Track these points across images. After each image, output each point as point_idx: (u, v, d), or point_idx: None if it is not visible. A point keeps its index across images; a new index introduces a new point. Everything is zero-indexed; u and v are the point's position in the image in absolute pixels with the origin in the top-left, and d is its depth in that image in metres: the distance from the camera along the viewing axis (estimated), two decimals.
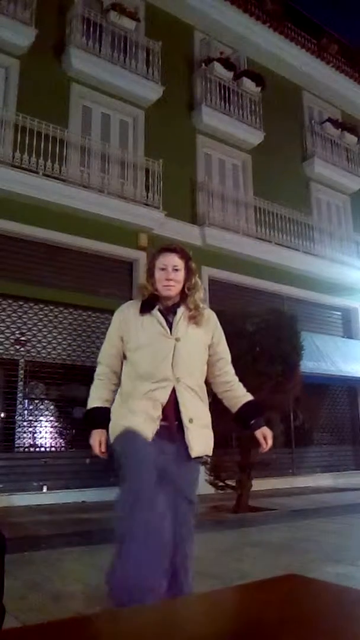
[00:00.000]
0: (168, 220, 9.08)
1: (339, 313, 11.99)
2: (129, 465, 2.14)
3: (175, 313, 2.28)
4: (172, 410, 2.18)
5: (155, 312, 2.27)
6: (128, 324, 2.30)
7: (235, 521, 5.87)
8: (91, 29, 9.12)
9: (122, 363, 2.35)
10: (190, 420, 2.18)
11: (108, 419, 2.27)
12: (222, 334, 2.42)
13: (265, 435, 2.34)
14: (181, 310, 2.29)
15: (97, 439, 2.29)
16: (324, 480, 10.19)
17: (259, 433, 2.35)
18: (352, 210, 13.00)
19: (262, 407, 2.48)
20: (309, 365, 8.62)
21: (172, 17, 10.65)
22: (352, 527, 5.75)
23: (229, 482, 6.50)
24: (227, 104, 10.80)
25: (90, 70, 8.99)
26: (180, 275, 2.28)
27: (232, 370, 2.43)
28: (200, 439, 2.21)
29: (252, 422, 2.37)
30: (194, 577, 2.25)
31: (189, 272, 2.31)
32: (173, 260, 2.27)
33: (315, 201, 12.36)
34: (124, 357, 2.34)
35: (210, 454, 2.30)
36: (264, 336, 6.23)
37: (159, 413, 2.16)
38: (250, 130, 11.01)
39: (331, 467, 10.76)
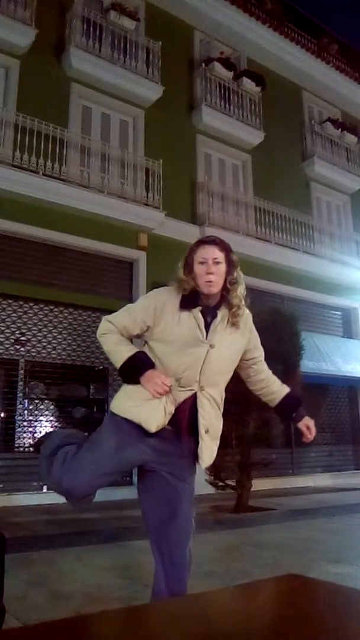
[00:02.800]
0: (168, 220, 9.08)
1: (339, 313, 11.99)
2: (97, 449, 2.11)
3: (215, 316, 2.12)
4: (186, 415, 2.07)
5: (197, 312, 2.10)
6: (164, 313, 2.10)
7: (235, 521, 5.86)
8: (91, 28, 9.12)
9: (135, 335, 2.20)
10: (207, 431, 2.10)
11: (150, 360, 2.11)
12: (257, 335, 2.31)
13: (308, 426, 2.28)
14: (221, 313, 2.14)
15: (158, 374, 2.04)
16: (324, 480, 10.19)
17: (302, 425, 2.29)
18: (352, 210, 13.01)
19: (299, 397, 2.41)
20: (309, 365, 8.63)
21: (172, 17, 10.65)
22: (352, 527, 5.75)
23: (229, 482, 6.50)
24: (227, 104, 10.80)
25: (90, 70, 8.99)
26: (222, 268, 2.12)
27: (266, 367, 2.34)
28: (210, 451, 2.14)
29: (294, 414, 2.31)
30: (195, 577, 2.25)
31: (230, 265, 2.16)
32: (213, 252, 2.12)
33: (315, 201, 12.36)
34: (141, 339, 2.20)
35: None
36: (264, 336, 6.21)
37: (173, 408, 2.05)
38: (250, 130, 11.01)
39: (331, 467, 10.76)
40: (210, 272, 2.08)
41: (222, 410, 2.20)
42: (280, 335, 6.38)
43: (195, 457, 2.12)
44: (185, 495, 2.11)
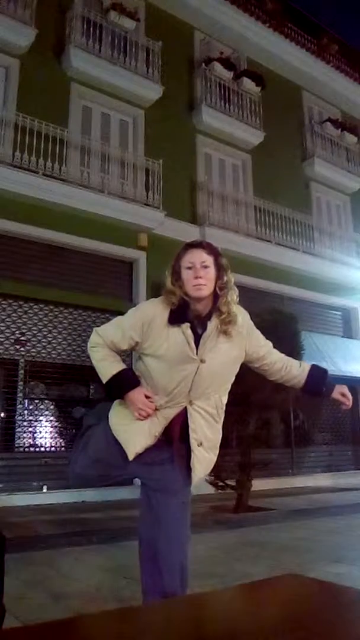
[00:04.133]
0: (168, 220, 9.08)
1: (339, 313, 11.99)
2: (94, 443, 2.21)
3: (205, 328, 2.03)
4: (178, 425, 2.05)
5: (185, 328, 2.01)
6: (152, 329, 2.02)
7: (235, 521, 5.86)
8: (91, 28, 9.12)
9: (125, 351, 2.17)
10: (200, 444, 2.05)
11: (136, 378, 2.09)
12: (257, 333, 2.20)
13: (343, 393, 2.20)
14: (212, 324, 2.04)
15: (141, 397, 2.02)
16: (324, 480, 10.19)
17: (336, 394, 2.21)
18: (352, 210, 13.01)
19: (324, 369, 2.29)
20: None
21: (172, 17, 10.65)
22: (352, 527, 5.74)
23: (229, 482, 6.49)
24: (227, 104, 10.81)
25: (90, 70, 8.99)
26: (211, 272, 2.02)
27: (278, 355, 2.24)
28: (205, 463, 2.09)
29: (324, 389, 2.22)
30: (194, 577, 2.24)
31: (219, 270, 2.05)
32: (201, 256, 2.02)
33: (315, 201, 12.36)
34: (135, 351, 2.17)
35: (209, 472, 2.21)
36: (264, 336, 6.21)
37: (161, 430, 2.04)
38: (250, 130, 11.01)
39: (331, 467, 10.76)
40: (199, 276, 1.99)
41: (220, 419, 2.14)
42: (280, 335, 6.35)
43: (189, 468, 2.08)
44: (176, 510, 2.07)
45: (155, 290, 8.69)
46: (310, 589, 1.15)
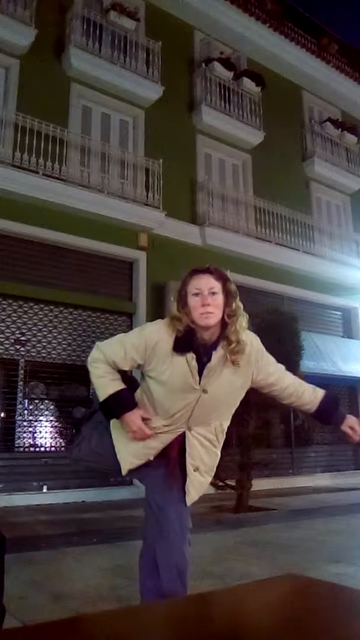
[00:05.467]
0: (168, 220, 9.08)
1: (339, 313, 11.99)
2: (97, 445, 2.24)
3: (210, 357, 1.95)
4: (176, 448, 2.04)
5: (190, 358, 1.94)
6: (155, 353, 1.96)
7: (235, 521, 5.87)
8: (91, 28, 9.12)
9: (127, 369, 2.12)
10: (196, 469, 2.04)
11: (130, 397, 2.04)
12: (268, 359, 2.10)
13: (352, 426, 2.11)
14: (218, 354, 1.96)
15: (137, 421, 1.96)
16: (324, 480, 10.19)
17: (345, 427, 2.11)
18: (352, 210, 13.00)
19: (336, 399, 2.23)
20: (309, 365, 8.62)
21: (172, 17, 10.65)
22: (352, 527, 5.75)
23: (229, 482, 6.50)
24: (227, 104, 10.80)
25: (90, 70, 8.99)
26: (219, 299, 1.93)
27: (291, 378, 2.14)
28: (199, 486, 2.09)
29: (334, 419, 2.14)
30: (195, 577, 2.24)
31: (228, 296, 1.96)
32: (208, 282, 1.93)
33: (315, 201, 12.36)
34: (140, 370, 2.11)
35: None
36: (264, 336, 6.21)
37: (156, 453, 2.05)
38: (250, 130, 11.01)
39: (331, 467, 10.76)
40: (207, 303, 1.91)
41: (219, 444, 2.11)
42: (280, 335, 6.38)
43: (183, 488, 2.07)
44: (175, 514, 2.07)
45: (155, 291, 8.70)
46: (310, 589, 1.15)
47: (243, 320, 2.00)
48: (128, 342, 2.03)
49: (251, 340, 2.04)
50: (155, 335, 1.98)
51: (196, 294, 1.93)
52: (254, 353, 2.04)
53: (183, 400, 1.97)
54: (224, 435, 2.13)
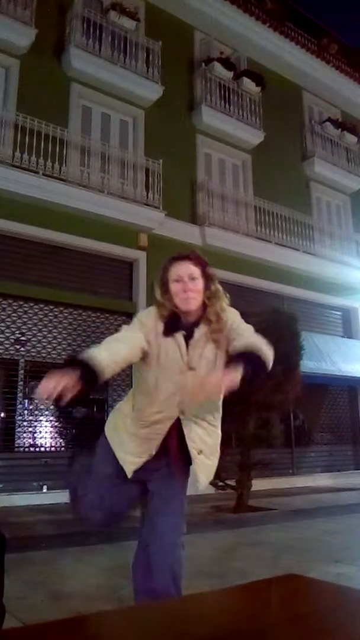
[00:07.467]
0: (168, 220, 9.08)
1: (339, 313, 11.99)
2: (95, 472, 2.21)
3: (193, 334, 2.03)
4: (175, 438, 2.05)
5: (179, 336, 2.02)
6: (149, 336, 2.04)
7: (235, 521, 5.86)
8: (91, 28, 9.12)
9: (134, 359, 2.04)
10: (200, 452, 2.04)
11: (85, 369, 1.76)
12: (240, 322, 2.06)
13: (230, 378, 1.77)
14: (200, 331, 2.03)
15: (55, 378, 1.68)
16: (324, 480, 10.19)
17: (226, 373, 1.81)
18: (352, 210, 13.01)
19: (258, 360, 1.90)
20: (309, 365, 8.62)
21: (172, 17, 10.65)
22: (352, 527, 5.74)
23: (229, 482, 6.50)
24: (227, 104, 10.80)
25: (90, 70, 8.99)
26: (199, 284, 2.02)
27: (253, 337, 2.00)
28: (206, 469, 2.09)
29: (232, 364, 1.86)
30: (194, 577, 2.24)
31: (207, 280, 2.06)
32: (188, 268, 2.03)
33: (315, 201, 12.36)
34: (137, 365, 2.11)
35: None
36: (264, 336, 6.21)
37: (157, 445, 2.04)
38: (250, 130, 11.01)
39: (331, 467, 10.76)
40: (187, 289, 2.00)
41: (218, 422, 2.13)
42: (280, 335, 6.37)
43: (187, 472, 2.09)
44: (170, 518, 2.07)
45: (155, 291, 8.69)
46: (310, 589, 1.15)
47: (223, 302, 2.07)
48: (132, 327, 2.09)
49: (231, 316, 2.09)
50: (150, 321, 2.07)
51: (177, 281, 2.02)
52: (229, 324, 2.07)
53: (173, 384, 2.01)
54: (220, 413, 2.14)
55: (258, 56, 11.78)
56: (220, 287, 2.09)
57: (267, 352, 1.96)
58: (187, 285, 2.00)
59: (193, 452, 2.04)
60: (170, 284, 2.04)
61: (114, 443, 2.12)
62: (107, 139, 9.29)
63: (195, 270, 2.04)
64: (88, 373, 1.76)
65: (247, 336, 2.01)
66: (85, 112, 9.24)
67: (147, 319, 2.08)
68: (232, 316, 2.10)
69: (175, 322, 2.04)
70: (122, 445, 2.09)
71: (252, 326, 2.09)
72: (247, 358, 1.87)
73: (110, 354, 1.89)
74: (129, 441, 2.07)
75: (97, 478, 2.20)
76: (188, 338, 2.03)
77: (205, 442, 2.07)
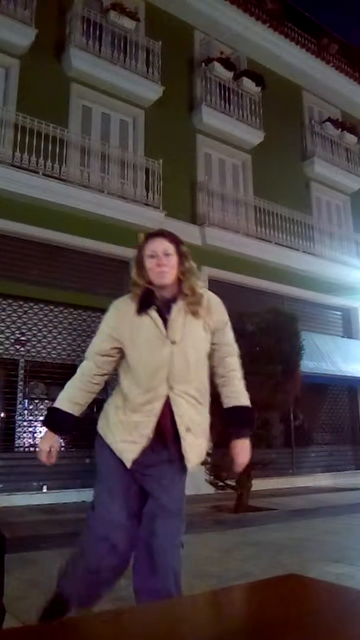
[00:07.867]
0: (168, 220, 9.06)
1: (339, 313, 11.99)
2: (100, 481, 2.17)
3: (171, 310, 2.07)
4: (167, 418, 2.05)
5: (152, 311, 2.07)
6: (124, 322, 2.10)
7: (235, 521, 5.86)
8: (91, 28, 9.12)
9: (114, 362, 2.20)
10: (188, 429, 2.04)
11: (68, 427, 2.21)
12: (226, 321, 2.18)
13: (240, 451, 2.13)
14: (177, 305, 2.07)
15: (48, 444, 2.16)
16: (324, 480, 10.19)
17: (233, 445, 2.14)
18: (352, 210, 13.01)
19: (251, 417, 2.19)
20: (309, 365, 8.62)
21: (172, 17, 10.65)
22: (352, 527, 5.74)
23: (229, 482, 6.50)
24: (227, 104, 10.80)
25: (90, 70, 8.99)
26: (173, 260, 2.07)
27: (234, 364, 2.19)
28: (196, 449, 2.08)
29: (232, 430, 2.15)
30: (194, 577, 2.24)
31: (181, 257, 2.10)
32: (162, 244, 2.07)
33: (315, 201, 12.37)
34: (122, 355, 2.17)
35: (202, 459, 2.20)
36: (264, 336, 6.22)
37: (152, 428, 2.03)
38: (250, 130, 11.01)
39: (331, 467, 10.76)
40: (162, 264, 2.05)
41: (205, 402, 2.13)
42: (280, 335, 6.38)
43: (185, 470, 2.08)
44: (170, 523, 2.06)
45: None
46: (310, 589, 1.15)
47: (197, 279, 2.14)
48: (103, 327, 2.19)
49: (211, 296, 2.17)
50: (121, 306, 2.15)
51: (152, 256, 2.07)
52: (212, 304, 2.15)
53: (157, 360, 2.04)
54: (209, 396, 2.15)
55: (258, 56, 11.78)
56: (194, 265, 2.15)
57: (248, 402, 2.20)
58: (162, 260, 2.05)
59: (181, 428, 2.03)
60: (145, 260, 2.08)
61: (108, 438, 2.12)
62: (107, 139, 9.29)
63: (170, 247, 2.08)
64: (69, 424, 2.21)
65: (231, 369, 2.18)
66: (85, 112, 9.24)
67: (122, 305, 2.15)
68: (216, 303, 2.17)
69: (148, 299, 2.09)
70: (116, 436, 2.08)
71: (235, 343, 2.22)
72: (240, 421, 2.17)
73: (86, 390, 2.27)
74: (122, 430, 2.07)
75: (105, 475, 2.16)
76: (166, 313, 2.08)
77: (192, 420, 2.06)
